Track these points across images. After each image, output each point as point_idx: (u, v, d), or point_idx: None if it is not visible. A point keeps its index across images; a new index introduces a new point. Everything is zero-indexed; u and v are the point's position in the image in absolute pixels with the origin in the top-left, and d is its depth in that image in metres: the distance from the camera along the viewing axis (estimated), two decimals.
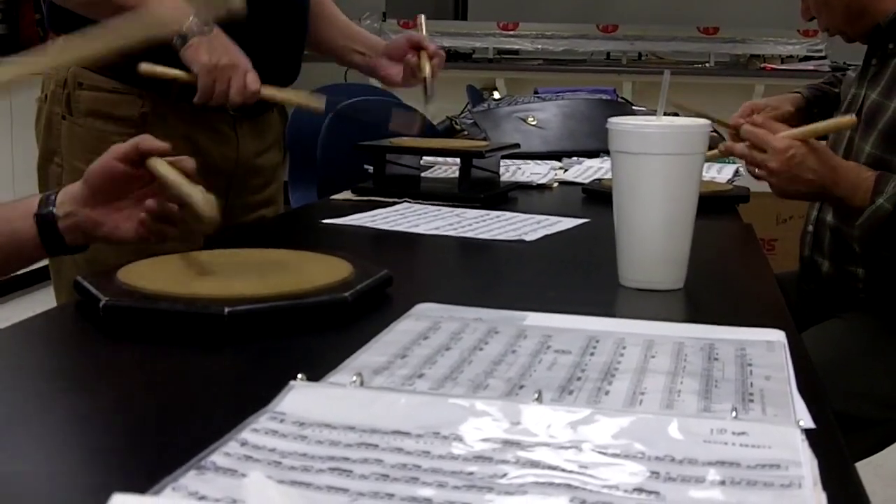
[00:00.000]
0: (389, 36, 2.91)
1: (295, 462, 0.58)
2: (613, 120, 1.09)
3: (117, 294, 0.92)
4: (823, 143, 1.49)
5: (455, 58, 5.17)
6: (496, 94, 4.29)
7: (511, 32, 5.39)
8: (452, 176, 1.77)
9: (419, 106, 1.98)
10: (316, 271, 1.01)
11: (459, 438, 0.61)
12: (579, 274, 1.23)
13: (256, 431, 0.62)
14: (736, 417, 0.65)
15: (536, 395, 0.68)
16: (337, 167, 2.62)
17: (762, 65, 5.14)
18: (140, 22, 0.97)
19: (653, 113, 1.26)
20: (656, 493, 0.55)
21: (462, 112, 2.78)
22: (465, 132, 2.50)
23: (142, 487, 0.54)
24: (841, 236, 1.64)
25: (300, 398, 0.66)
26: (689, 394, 0.73)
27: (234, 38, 1.46)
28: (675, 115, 1.40)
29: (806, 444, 0.60)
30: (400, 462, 0.58)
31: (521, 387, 0.74)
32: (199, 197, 0.98)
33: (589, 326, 0.89)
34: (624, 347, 0.84)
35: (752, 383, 0.75)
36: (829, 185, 1.47)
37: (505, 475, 0.56)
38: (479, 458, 0.58)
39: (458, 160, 1.71)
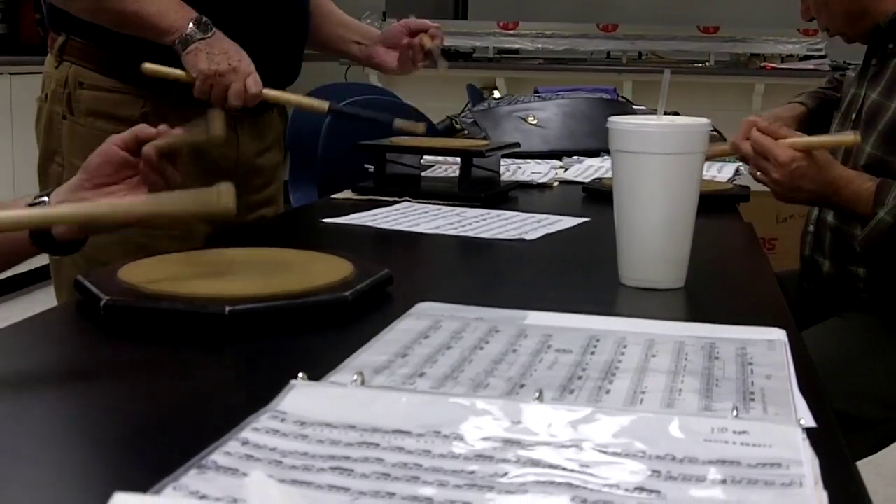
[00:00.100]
0: None
1: (296, 461, 0.58)
2: (614, 119, 1.09)
3: (118, 293, 0.92)
4: (826, 153, 1.49)
5: (455, 57, 5.17)
6: (496, 94, 4.30)
7: (511, 32, 5.39)
8: (453, 175, 1.77)
9: (419, 105, 1.98)
10: (316, 270, 1.01)
11: (460, 437, 0.61)
12: (580, 273, 1.23)
13: (257, 430, 0.62)
14: (737, 416, 0.65)
15: (537, 394, 0.68)
16: (337, 166, 2.62)
17: (762, 64, 5.14)
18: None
19: (653, 112, 1.25)
20: (657, 491, 0.55)
21: (462, 111, 2.78)
22: (466, 131, 2.50)
23: (143, 486, 0.54)
24: (842, 236, 1.64)
25: (301, 397, 0.66)
26: (690, 393, 0.73)
27: (235, 38, 1.46)
28: (676, 114, 1.40)
29: (807, 442, 0.60)
30: (401, 461, 0.58)
31: (522, 386, 0.74)
32: None
33: (589, 325, 0.89)
34: (625, 346, 0.84)
35: (752, 382, 0.75)
36: (830, 196, 1.47)
37: (506, 474, 0.56)
38: (480, 457, 0.58)
39: (458, 159, 1.71)
